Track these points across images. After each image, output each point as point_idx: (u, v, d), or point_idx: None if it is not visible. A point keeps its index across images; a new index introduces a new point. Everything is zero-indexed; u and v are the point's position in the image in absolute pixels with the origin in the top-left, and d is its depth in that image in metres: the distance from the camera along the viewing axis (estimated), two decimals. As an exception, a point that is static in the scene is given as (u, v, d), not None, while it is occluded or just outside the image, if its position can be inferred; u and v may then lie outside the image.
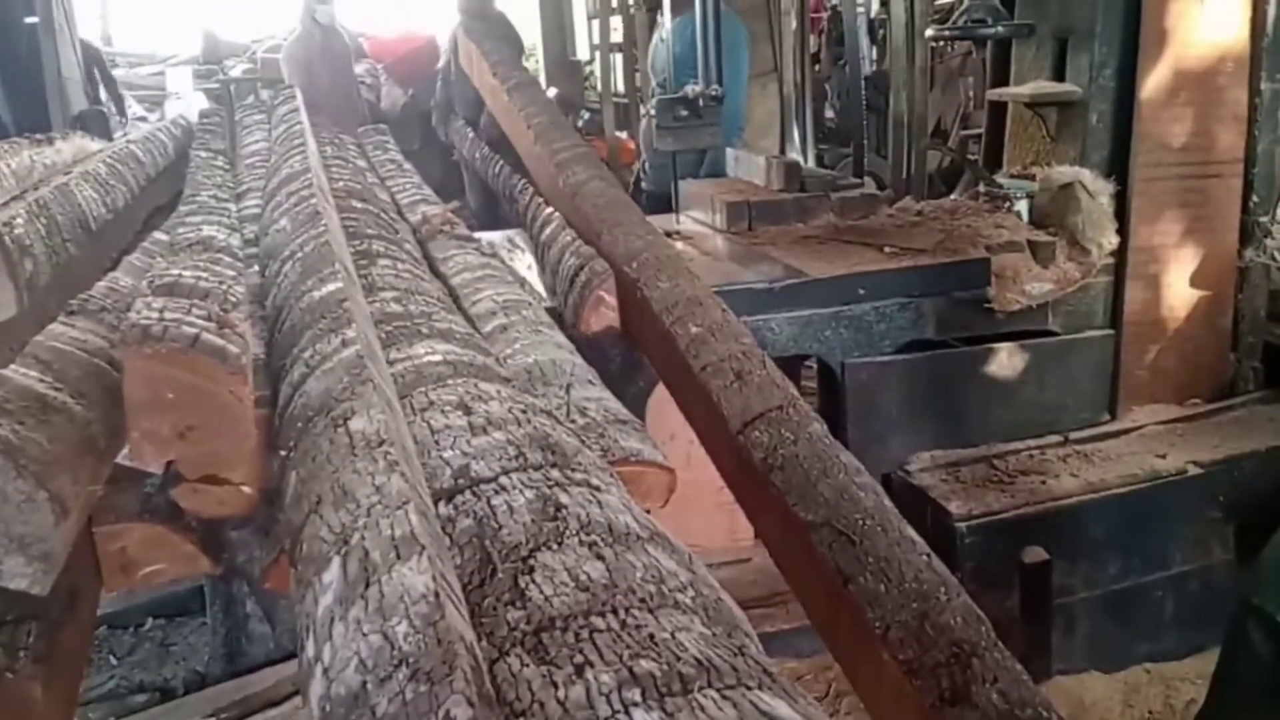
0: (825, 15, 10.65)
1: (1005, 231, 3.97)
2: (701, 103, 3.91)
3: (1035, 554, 3.35)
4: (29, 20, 5.54)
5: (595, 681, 0.67)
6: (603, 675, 0.68)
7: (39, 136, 2.77)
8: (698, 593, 0.84)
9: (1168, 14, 3.78)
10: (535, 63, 11.15)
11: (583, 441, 1.21)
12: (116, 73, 12.19)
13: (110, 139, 4.41)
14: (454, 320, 1.66)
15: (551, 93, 10.26)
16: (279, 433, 1.15)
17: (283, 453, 1.09)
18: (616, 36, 9.17)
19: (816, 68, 8.72)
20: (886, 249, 3.83)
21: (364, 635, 0.71)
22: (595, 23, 9.57)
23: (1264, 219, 3.96)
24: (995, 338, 3.79)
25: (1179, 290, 3.97)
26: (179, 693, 3.25)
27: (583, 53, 10.72)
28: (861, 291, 3.54)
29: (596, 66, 9.95)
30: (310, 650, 0.78)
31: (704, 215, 4.44)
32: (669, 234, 4.24)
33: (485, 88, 4.16)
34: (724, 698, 0.66)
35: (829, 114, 9.44)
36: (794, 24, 6.59)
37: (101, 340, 1.28)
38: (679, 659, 0.70)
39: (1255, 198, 3.93)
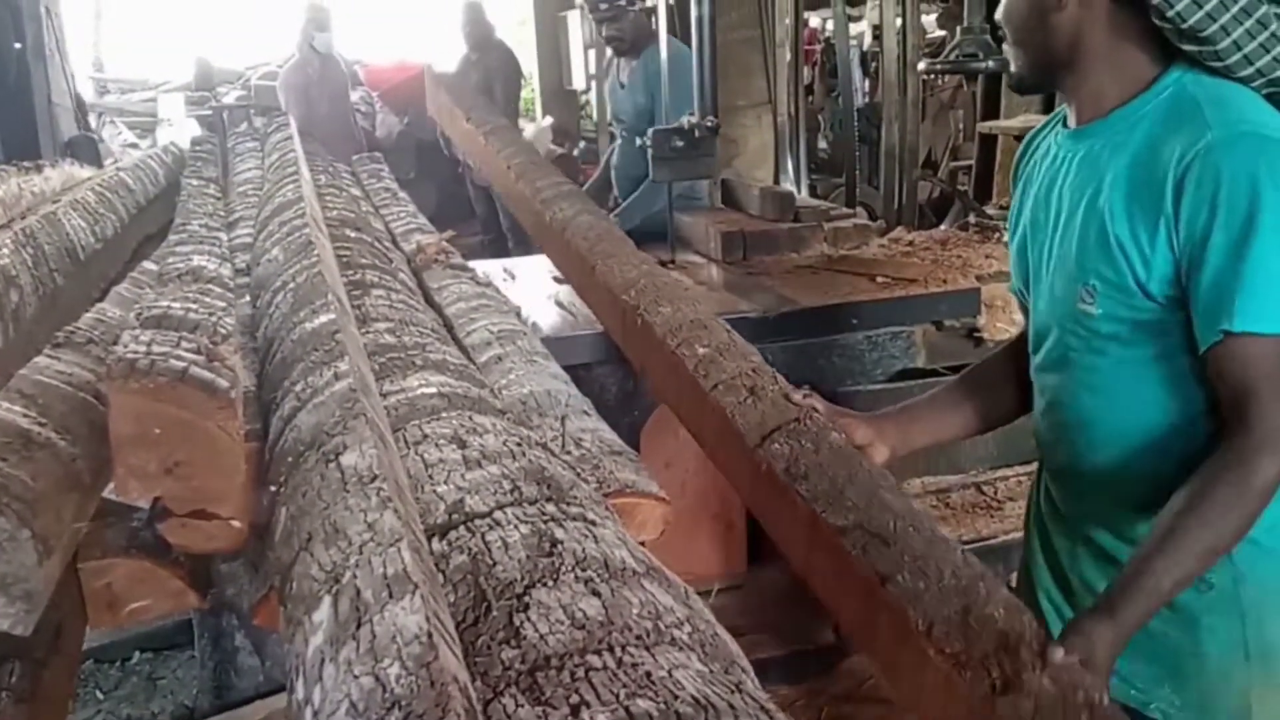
0: (819, 48, 10.73)
1: (995, 262, 3.99)
2: (697, 133, 3.93)
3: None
4: (17, 46, 5.54)
5: (589, 722, 0.66)
6: (599, 716, 0.66)
7: (27, 165, 2.75)
8: (694, 628, 0.83)
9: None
10: (532, 91, 11.20)
11: (578, 474, 1.20)
12: (108, 99, 12.22)
13: (100, 165, 4.40)
14: (448, 351, 1.64)
15: (548, 121, 10.30)
16: (269, 467, 1.14)
17: (273, 488, 1.07)
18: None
19: (810, 99, 8.78)
20: (879, 279, 3.84)
21: (355, 677, 0.70)
22: (591, 52, 9.63)
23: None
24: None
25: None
26: None
27: (579, 82, 10.76)
28: (854, 321, 3.55)
29: (593, 96, 10.00)
30: (300, 692, 0.76)
31: (697, 245, 4.45)
32: (663, 263, 4.24)
33: (459, 134, 4.15)
34: (722, 739, 0.64)
35: (822, 145, 9.50)
36: (788, 56, 6.61)
37: (88, 373, 1.26)
38: (676, 698, 0.68)
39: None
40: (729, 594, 3.60)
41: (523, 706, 0.70)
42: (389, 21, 13.55)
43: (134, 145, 8.83)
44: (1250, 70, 1.67)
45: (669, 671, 0.73)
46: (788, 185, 6.32)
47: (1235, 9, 1.61)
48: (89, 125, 7.62)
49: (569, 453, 1.50)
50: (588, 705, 0.68)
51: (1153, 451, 1.74)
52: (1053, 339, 1.87)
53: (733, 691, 0.73)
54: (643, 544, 1.09)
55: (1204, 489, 1.56)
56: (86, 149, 6.01)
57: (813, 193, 7.04)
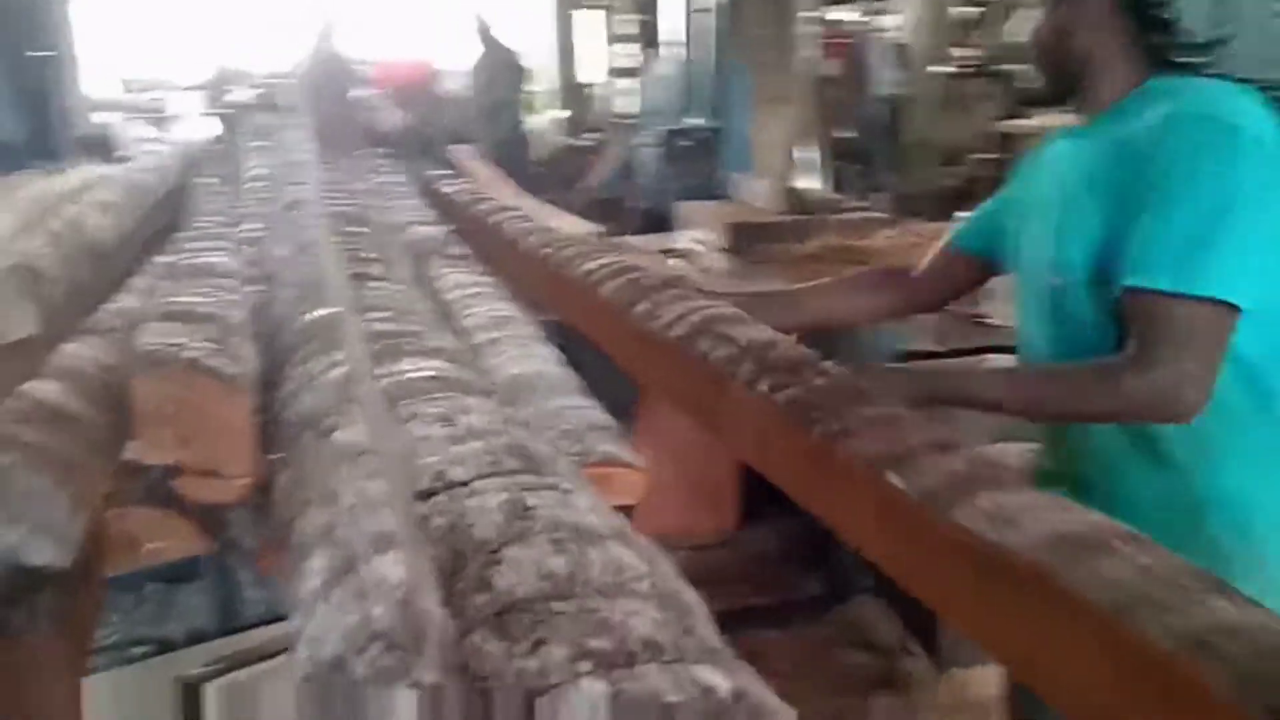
0: (850, 41, 10.79)
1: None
2: (703, 135, 4.05)
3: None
4: (43, 54, 5.68)
5: (550, 654, 0.76)
6: (557, 650, 0.76)
7: (51, 168, 2.88)
8: (654, 583, 0.92)
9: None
10: (540, 86, 11.32)
11: (557, 449, 1.30)
12: (125, 97, 12.37)
13: (115, 162, 4.51)
14: (443, 338, 1.74)
15: (561, 114, 10.44)
16: (271, 441, 1.25)
17: (274, 459, 1.18)
18: (623, 61, 9.36)
19: (838, 92, 8.86)
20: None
21: (344, 614, 0.80)
22: (618, 46, 9.75)
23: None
24: (989, 350, 3.89)
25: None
26: (176, 647, 3.39)
27: (589, 77, 10.89)
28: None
29: (604, 90, 10.13)
30: (297, 625, 0.86)
31: (704, 235, 4.55)
32: (666, 252, 4.36)
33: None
34: (664, 669, 0.74)
35: (848, 137, 9.57)
36: (807, 51, 6.71)
37: (111, 358, 1.39)
38: (627, 637, 0.78)
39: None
40: (722, 549, 3.77)
41: (490, 642, 0.80)
42: (397, 19, 13.67)
43: (150, 142, 8.95)
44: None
45: (624, 618, 0.82)
46: (808, 178, 6.41)
47: None
48: (102, 122, 7.75)
49: (553, 428, 1.60)
50: (547, 641, 0.78)
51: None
52: (1037, 320, 2.00)
53: (682, 634, 0.83)
54: (627, 510, 1.20)
55: (1079, 371, 1.74)
56: (100, 144, 6.14)
57: (837, 185, 7.13)
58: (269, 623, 3.17)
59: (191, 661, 3.21)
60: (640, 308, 1.88)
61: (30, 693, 1.12)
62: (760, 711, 0.71)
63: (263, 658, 3.02)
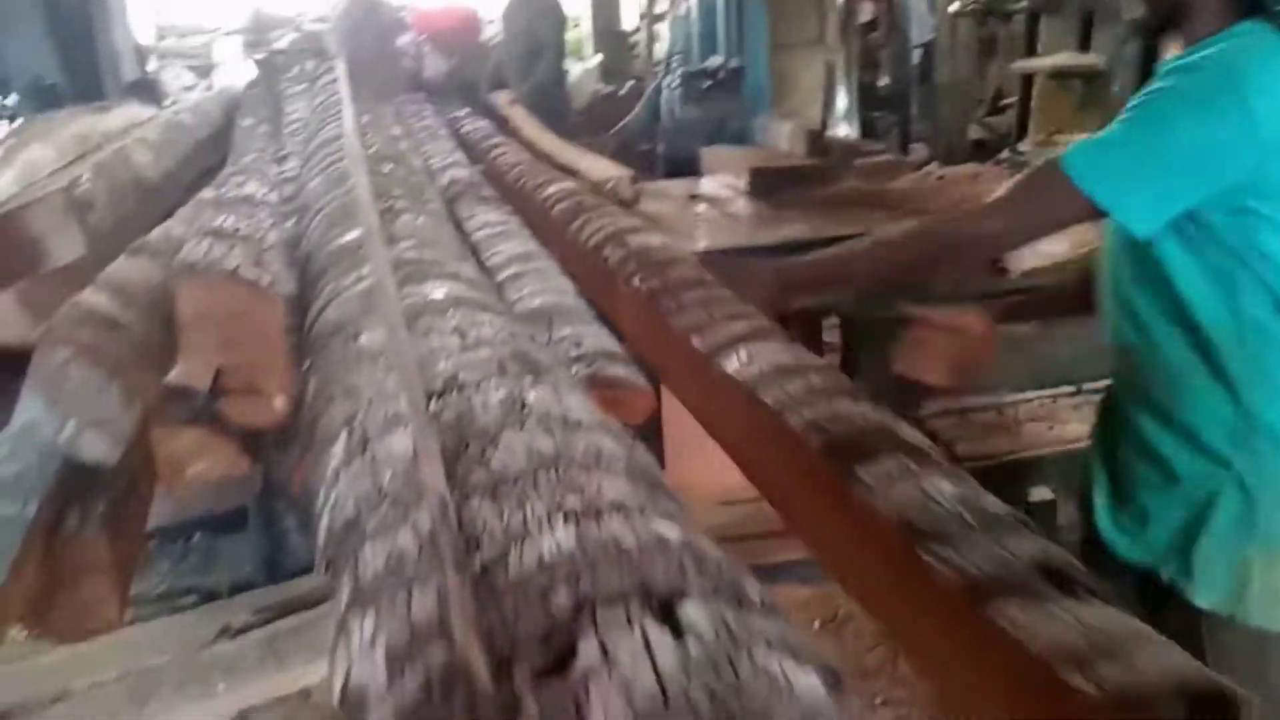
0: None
1: (1020, 197, 4.12)
2: (723, 75, 4.12)
3: (1042, 494, 3.55)
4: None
5: (531, 511, 0.89)
6: (537, 506, 0.89)
7: (96, 105, 3.02)
8: (630, 463, 1.05)
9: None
10: (580, 32, 11.36)
11: (559, 360, 1.43)
12: (167, 43, 12.50)
13: (160, 107, 4.65)
14: (464, 267, 1.87)
15: (596, 60, 10.49)
16: (303, 352, 1.39)
17: (305, 367, 1.32)
18: (661, 6, 9.37)
19: (874, 35, 8.85)
20: (898, 212, 4.01)
21: (359, 481, 0.94)
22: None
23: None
24: (1009, 295, 3.95)
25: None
26: (223, 596, 3.55)
27: (630, 22, 10.91)
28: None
29: (642, 36, 10.17)
30: (322, 498, 1.00)
31: (729, 180, 4.63)
32: (692, 197, 4.46)
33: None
34: (626, 522, 0.87)
35: (883, 82, 9.54)
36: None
37: (157, 276, 1.52)
38: (598, 500, 0.91)
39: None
40: (755, 504, 3.85)
41: (485, 505, 0.93)
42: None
43: (191, 88, 9.10)
44: None
45: (598, 486, 0.96)
46: (839, 123, 6.45)
47: None
48: (148, 69, 7.88)
49: (568, 353, 1.73)
50: (529, 500, 0.91)
51: (1191, 329, 1.97)
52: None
53: (647, 498, 0.96)
54: (637, 431, 1.33)
55: (933, 219, 1.93)
56: (147, 91, 6.27)
57: (869, 130, 7.15)
58: (313, 571, 3.31)
59: (238, 610, 3.38)
60: (575, 224, 2.27)
61: (82, 586, 1.27)
62: (703, 556, 0.83)
63: (307, 606, 3.18)
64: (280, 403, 1.38)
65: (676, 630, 0.70)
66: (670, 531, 0.87)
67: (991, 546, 1.03)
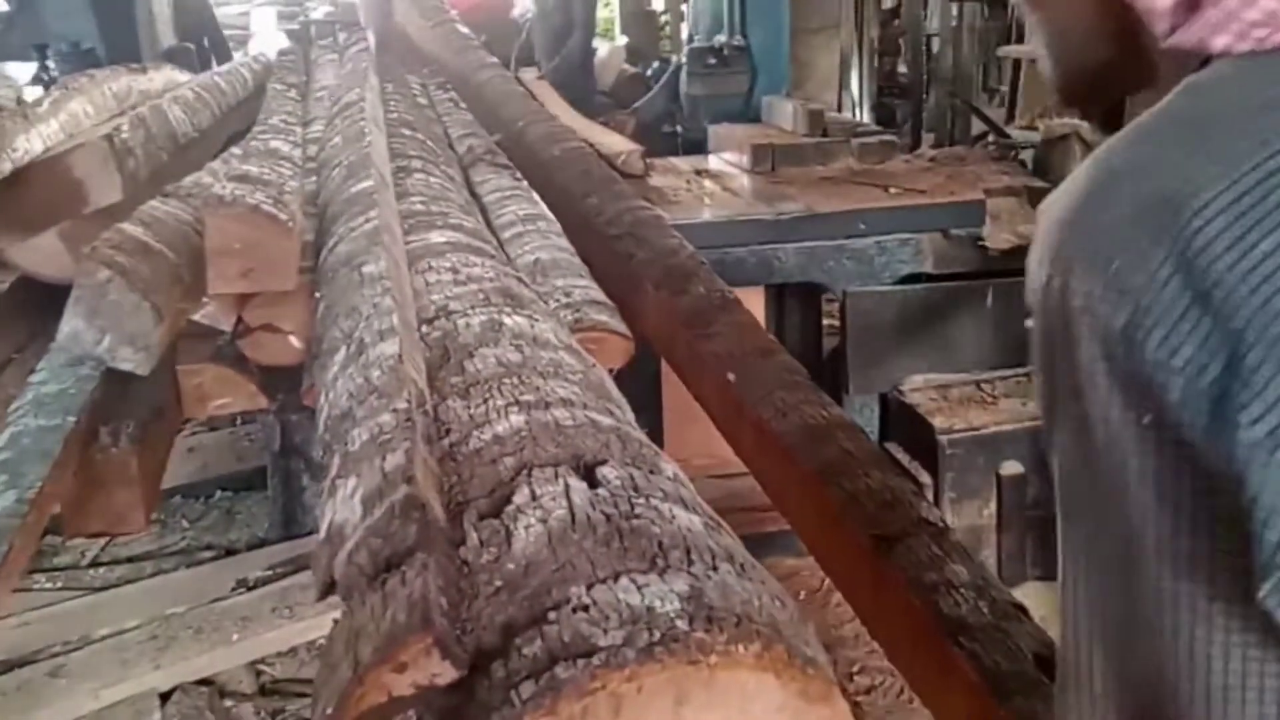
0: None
1: (1006, 178, 4.29)
2: (727, 51, 4.26)
3: (1012, 468, 3.71)
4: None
5: (492, 404, 1.07)
6: (498, 400, 1.08)
7: (135, 66, 3.21)
8: (585, 377, 1.24)
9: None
10: (610, 11, 11.48)
11: (539, 296, 1.61)
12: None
13: (196, 73, 4.84)
14: (467, 220, 2.06)
15: (623, 41, 10.60)
16: (316, 284, 1.58)
17: (317, 295, 1.51)
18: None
19: (896, 22, 8.94)
20: (891, 189, 4.17)
21: (353, 379, 1.12)
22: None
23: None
24: (989, 274, 4.10)
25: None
26: (241, 551, 3.75)
27: (658, 3, 11.02)
28: (862, 226, 3.88)
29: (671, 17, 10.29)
30: (323, 399, 1.19)
31: (733, 157, 4.80)
32: (699, 172, 4.63)
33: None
34: (569, 411, 1.06)
35: (902, 69, 9.61)
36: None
37: (188, 215, 1.71)
38: (549, 396, 1.10)
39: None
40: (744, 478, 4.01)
41: (457, 402, 1.12)
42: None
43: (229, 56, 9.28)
44: None
45: (552, 389, 1.14)
46: (853, 109, 6.57)
47: None
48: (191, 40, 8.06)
49: (558, 300, 1.92)
50: (493, 397, 1.10)
51: None
52: None
53: (590, 398, 1.14)
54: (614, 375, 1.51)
55: None
56: (184, 57, 6.45)
57: (884, 115, 7.26)
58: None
59: (255, 565, 3.58)
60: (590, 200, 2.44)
61: (114, 495, 1.47)
62: (629, 438, 1.02)
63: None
64: (297, 345, 1.57)
65: (593, 484, 0.89)
66: (604, 419, 1.06)
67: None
